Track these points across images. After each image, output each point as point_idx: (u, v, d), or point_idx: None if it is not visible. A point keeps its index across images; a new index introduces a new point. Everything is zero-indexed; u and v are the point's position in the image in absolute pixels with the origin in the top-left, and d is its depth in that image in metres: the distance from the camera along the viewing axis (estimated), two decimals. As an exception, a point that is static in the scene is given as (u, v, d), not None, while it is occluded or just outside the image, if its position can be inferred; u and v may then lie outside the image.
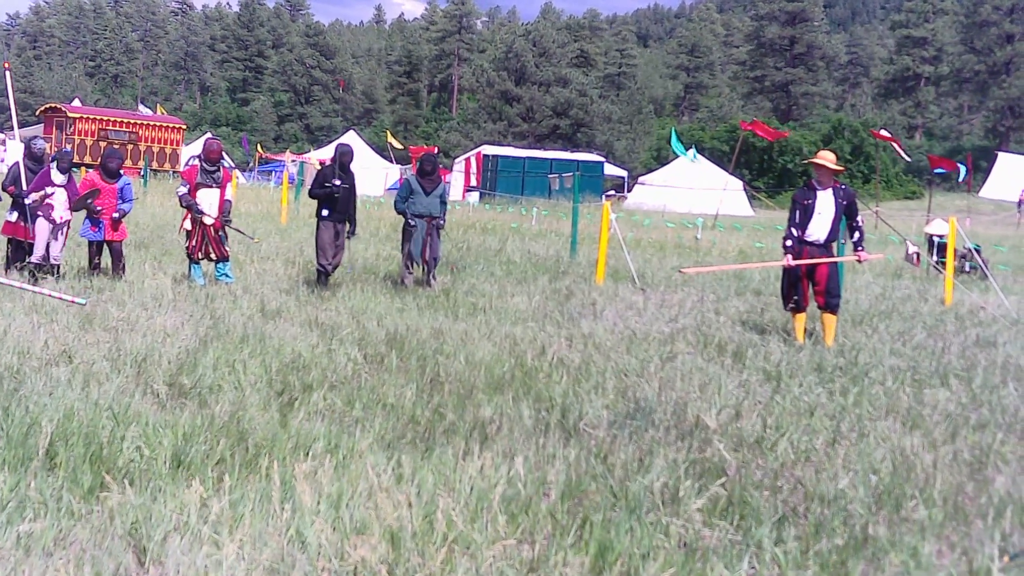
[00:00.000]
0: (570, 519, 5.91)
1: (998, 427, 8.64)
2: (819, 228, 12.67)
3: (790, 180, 74.06)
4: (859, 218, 12.98)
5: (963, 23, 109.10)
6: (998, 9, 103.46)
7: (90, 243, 15.38)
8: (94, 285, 14.06)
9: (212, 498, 5.80)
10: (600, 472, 6.84)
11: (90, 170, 18.03)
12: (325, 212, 15.44)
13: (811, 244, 12.71)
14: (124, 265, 15.37)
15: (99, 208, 14.94)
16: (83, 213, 15.26)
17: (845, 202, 12.75)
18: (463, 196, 55.23)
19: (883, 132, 44.64)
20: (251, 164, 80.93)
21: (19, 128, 19.51)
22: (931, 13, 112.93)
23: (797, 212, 12.81)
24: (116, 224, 15.25)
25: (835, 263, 12.99)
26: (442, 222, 16.43)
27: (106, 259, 15.51)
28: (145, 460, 6.60)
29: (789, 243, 12.75)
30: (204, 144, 16.26)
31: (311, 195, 15.93)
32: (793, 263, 12.66)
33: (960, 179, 48.86)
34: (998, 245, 28.69)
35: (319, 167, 16.80)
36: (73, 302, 10.60)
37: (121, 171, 15.56)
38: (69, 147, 54.08)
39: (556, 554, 5.41)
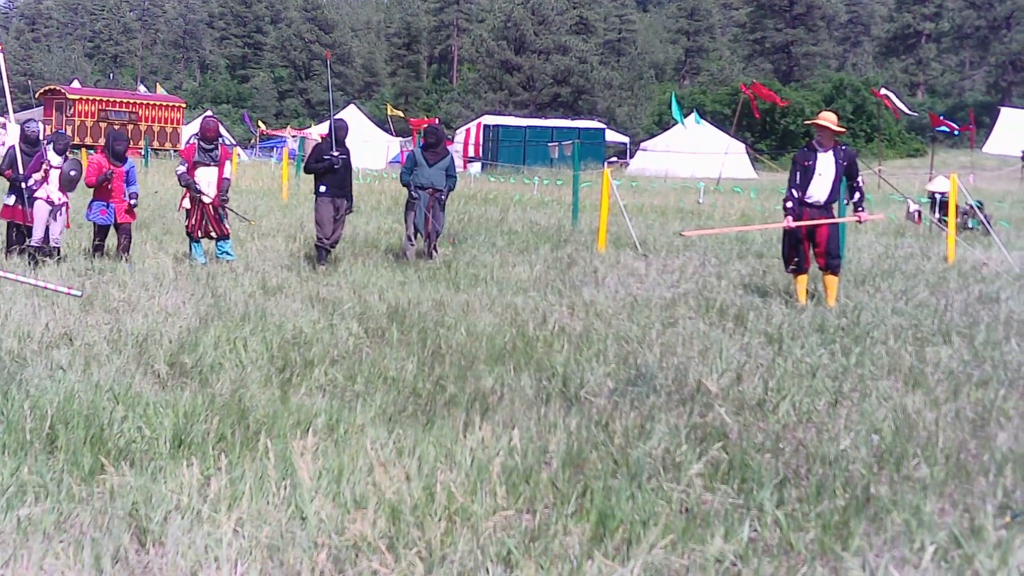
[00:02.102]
0: (571, 488, 5.91)
1: (1000, 383, 8.62)
2: (819, 189, 12.62)
3: (792, 141, 73.76)
4: (860, 179, 12.94)
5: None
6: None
7: (99, 227, 15.31)
8: (95, 267, 14.06)
9: (213, 477, 5.80)
10: (601, 440, 6.84)
11: (92, 152, 18.00)
12: (323, 188, 15.40)
13: (811, 205, 12.67)
14: (129, 245, 15.34)
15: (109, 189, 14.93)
16: (85, 196, 15.25)
17: (845, 163, 12.70)
18: (464, 167, 55.09)
19: (883, 92, 44.38)
20: (252, 141, 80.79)
21: (19, 111, 19.44)
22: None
23: (797, 173, 12.76)
24: (131, 209, 15.25)
25: (835, 224, 12.96)
26: (443, 197, 16.36)
27: (110, 240, 15.46)
28: (146, 440, 6.61)
29: (789, 204, 12.71)
30: (201, 122, 16.23)
31: (307, 170, 15.89)
32: (793, 225, 12.62)
33: (955, 133, 48.52)
34: (1000, 201, 28.60)
35: (320, 141, 16.74)
36: (69, 293, 10.58)
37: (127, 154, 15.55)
38: (68, 129, 54.11)
39: (556, 523, 5.41)
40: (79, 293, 10.75)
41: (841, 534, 5.48)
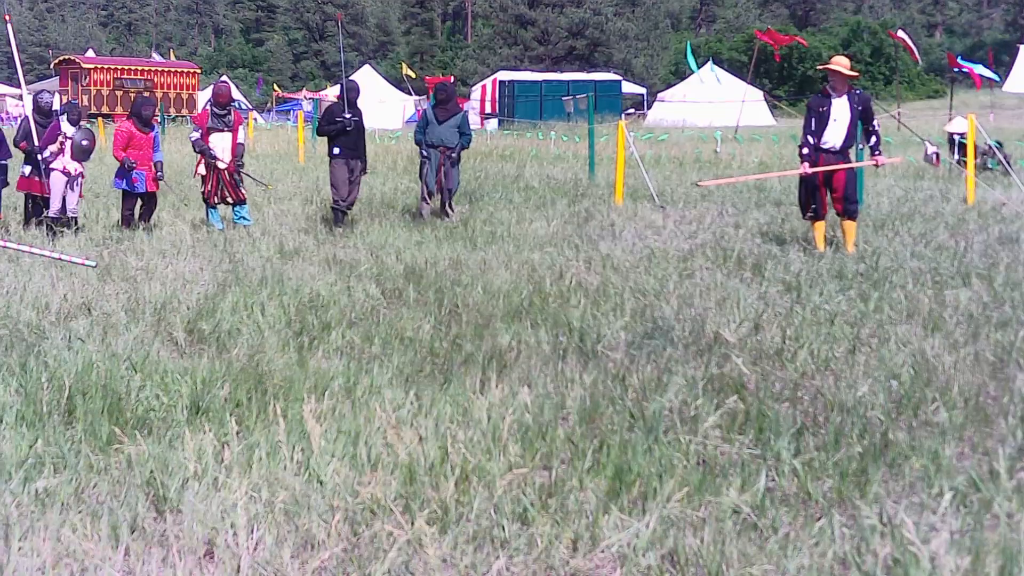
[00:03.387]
0: (587, 443, 5.90)
1: (1020, 324, 8.56)
2: (835, 135, 12.53)
3: (810, 86, 73.14)
4: (875, 122, 12.86)
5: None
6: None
7: (130, 195, 15.10)
8: (112, 236, 14.09)
9: (230, 442, 5.82)
10: (618, 394, 6.84)
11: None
12: (336, 150, 15.37)
13: (827, 151, 12.58)
14: (151, 213, 15.31)
15: (134, 162, 14.77)
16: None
17: (860, 107, 12.61)
18: (481, 124, 54.89)
19: (899, 34, 43.95)
20: (268, 105, 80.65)
21: (36, 81, 19.42)
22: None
23: (812, 119, 12.68)
24: (157, 177, 15.13)
25: (852, 169, 12.87)
26: (456, 154, 16.26)
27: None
28: (163, 408, 6.63)
29: (805, 151, 12.63)
30: (213, 87, 16.21)
31: (320, 133, 15.87)
32: (810, 171, 12.55)
33: (998, 79, 47.91)
34: (1020, 140, 28.35)
35: (334, 103, 16.70)
36: (84, 264, 10.60)
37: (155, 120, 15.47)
38: (85, 98, 54.15)
39: (572, 479, 5.41)
40: (93, 264, 10.77)
41: (859, 481, 5.47)
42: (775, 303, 9.56)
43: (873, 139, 12.75)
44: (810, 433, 6.14)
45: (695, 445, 5.93)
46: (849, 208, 12.63)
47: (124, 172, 14.75)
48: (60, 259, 10.85)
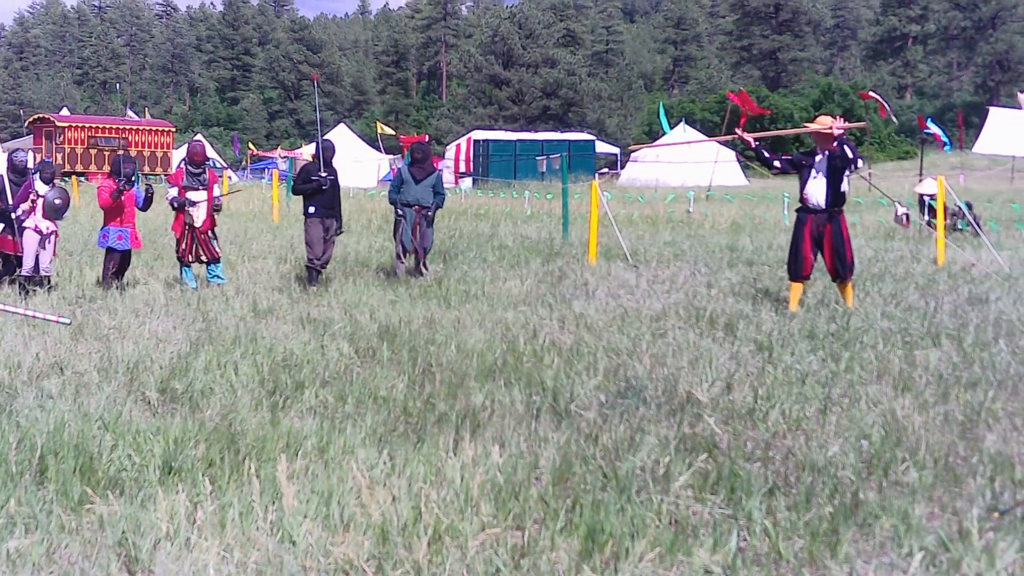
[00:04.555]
0: (560, 503, 5.92)
1: (989, 384, 8.64)
2: (816, 190, 12.56)
3: (783, 147, 73.85)
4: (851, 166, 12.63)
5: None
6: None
7: (114, 253, 15.01)
8: (86, 295, 14.05)
9: (202, 503, 5.81)
10: (590, 454, 6.85)
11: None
12: (311, 209, 15.42)
13: (814, 211, 12.63)
14: (126, 270, 15.32)
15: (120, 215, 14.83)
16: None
17: (838, 155, 12.52)
18: (456, 183, 55.13)
19: (871, 94, 44.48)
20: (243, 163, 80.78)
21: (10, 140, 19.43)
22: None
23: (800, 173, 12.78)
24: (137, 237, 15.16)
25: (841, 237, 12.72)
26: (431, 213, 16.37)
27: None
28: (135, 468, 6.61)
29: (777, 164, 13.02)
30: (188, 146, 16.26)
31: (295, 192, 15.92)
32: (749, 137, 12.88)
33: (946, 147, 48.45)
34: (988, 202, 28.63)
35: (309, 161, 16.75)
36: (58, 321, 10.56)
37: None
38: (59, 156, 54.14)
39: (545, 539, 5.42)
40: (68, 321, 10.73)
41: (830, 541, 5.49)
42: (747, 363, 9.62)
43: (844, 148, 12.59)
44: (781, 493, 6.17)
45: (667, 505, 5.95)
46: (840, 271, 12.69)
47: (108, 231, 14.82)
48: (34, 316, 10.81)
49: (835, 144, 12.55)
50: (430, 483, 6.19)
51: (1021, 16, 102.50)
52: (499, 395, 8.45)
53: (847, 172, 12.62)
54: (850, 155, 12.44)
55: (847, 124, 13.25)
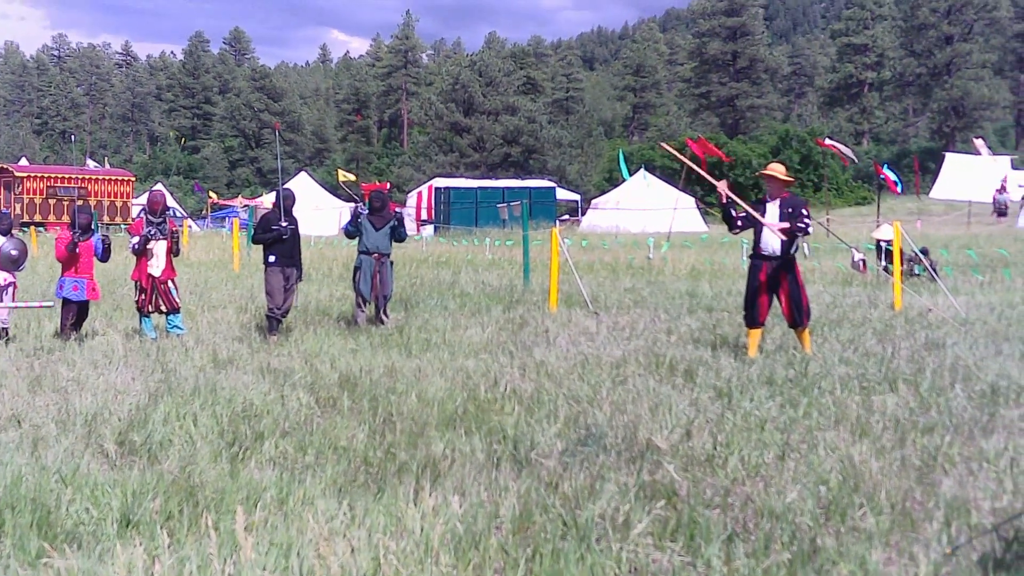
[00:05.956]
0: (520, 552, 5.92)
1: (945, 429, 8.73)
2: (771, 238, 12.70)
3: (742, 193, 74.36)
4: (803, 221, 12.79)
5: (902, 27, 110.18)
6: (935, 12, 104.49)
7: (71, 304, 14.95)
8: (44, 347, 13.96)
9: (160, 556, 5.78)
10: (551, 502, 6.86)
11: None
12: (272, 258, 15.40)
13: (768, 258, 12.77)
14: (83, 321, 15.25)
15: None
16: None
17: (790, 209, 12.76)
18: (418, 230, 55.18)
19: (828, 141, 44.93)
20: (204, 211, 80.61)
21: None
22: (870, 19, 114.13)
23: (755, 224, 12.89)
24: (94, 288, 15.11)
25: (796, 283, 12.87)
26: (389, 261, 16.49)
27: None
28: (94, 521, 6.57)
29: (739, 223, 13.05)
30: (148, 196, 16.23)
31: (255, 241, 15.90)
32: (724, 189, 12.94)
33: (900, 190, 48.97)
34: (945, 249, 28.93)
35: (269, 210, 16.76)
36: (40, 307, 10.41)
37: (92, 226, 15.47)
38: (18, 207, 53.87)
39: (505, 589, 5.43)
40: (51, 304, 10.55)
41: (788, 588, 5.53)
42: (706, 409, 9.66)
43: (793, 224, 12.82)
44: (740, 539, 6.20)
45: (627, 552, 5.96)
46: (795, 318, 12.81)
47: (64, 282, 14.75)
48: (16, 307, 10.68)
49: (788, 195, 12.82)
50: (390, 534, 6.19)
51: (975, 63, 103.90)
52: (460, 444, 8.46)
53: (797, 235, 12.87)
54: (809, 232, 12.90)
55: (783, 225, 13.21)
